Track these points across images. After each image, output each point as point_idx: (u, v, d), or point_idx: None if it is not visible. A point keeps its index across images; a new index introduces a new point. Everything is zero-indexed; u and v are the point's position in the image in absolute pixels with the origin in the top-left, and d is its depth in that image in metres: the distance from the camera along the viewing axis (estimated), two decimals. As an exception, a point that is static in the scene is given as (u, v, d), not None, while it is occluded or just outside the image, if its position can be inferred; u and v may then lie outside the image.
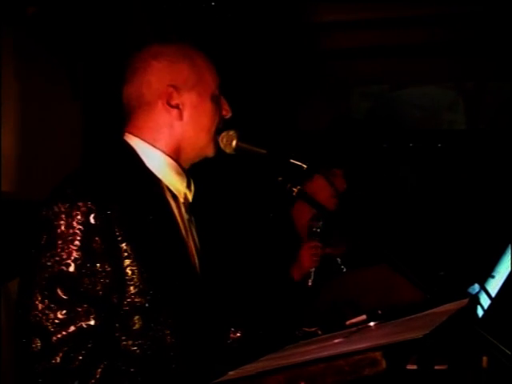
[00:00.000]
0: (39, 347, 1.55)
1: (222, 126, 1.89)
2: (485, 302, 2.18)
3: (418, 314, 1.60)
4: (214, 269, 1.95)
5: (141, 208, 1.71)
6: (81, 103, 3.55)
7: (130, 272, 1.65)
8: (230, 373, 1.37)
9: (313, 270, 3.02)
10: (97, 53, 3.53)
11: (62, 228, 1.61)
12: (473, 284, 2.42)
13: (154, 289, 1.67)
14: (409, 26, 4.75)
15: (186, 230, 1.85)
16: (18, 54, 3.20)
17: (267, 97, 4.68)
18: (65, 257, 1.59)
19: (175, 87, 1.81)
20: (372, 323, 1.65)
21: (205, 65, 1.86)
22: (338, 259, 3.29)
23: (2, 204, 3.00)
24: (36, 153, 3.30)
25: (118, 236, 1.64)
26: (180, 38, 1.92)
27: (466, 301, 1.58)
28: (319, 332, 2.05)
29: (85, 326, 1.57)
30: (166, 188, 1.82)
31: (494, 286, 2.38)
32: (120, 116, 1.88)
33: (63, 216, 1.61)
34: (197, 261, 1.87)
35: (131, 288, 1.65)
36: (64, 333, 1.56)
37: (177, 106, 1.81)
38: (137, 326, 1.66)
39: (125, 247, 1.64)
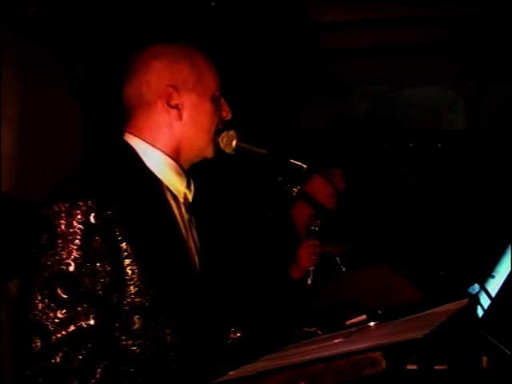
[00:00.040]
0: (39, 347, 1.55)
1: (221, 127, 1.89)
2: (485, 302, 2.18)
3: (418, 314, 1.60)
4: (213, 269, 1.96)
5: (141, 208, 1.71)
6: (81, 103, 3.54)
7: (130, 272, 1.65)
8: (230, 373, 1.37)
9: (312, 268, 3.02)
10: (97, 53, 3.53)
11: (63, 227, 1.61)
12: (473, 284, 2.42)
13: (153, 288, 1.67)
14: (409, 25, 4.75)
15: (186, 230, 1.85)
16: (18, 54, 3.20)
17: (267, 97, 4.68)
18: (65, 256, 1.59)
19: (175, 87, 1.81)
20: (372, 323, 1.65)
21: (205, 65, 1.86)
22: (338, 259, 3.29)
23: (2, 204, 3.00)
24: (36, 153, 3.30)
25: (118, 236, 1.64)
26: (180, 38, 1.92)
27: (465, 301, 1.58)
28: (319, 332, 2.05)
29: (85, 325, 1.57)
30: (166, 188, 1.82)
31: (494, 286, 2.38)
32: (120, 116, 1.88)
33: (63, 215, 1.61)
34: (197, 261, 1.87)
35: (131, 288, 1.65)
36: (64, 332, 1.56)
37: (176, 107, 1.81)
38: (137, 326, 1.66)
39: (125, 247, 1.64)
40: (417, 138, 5.32)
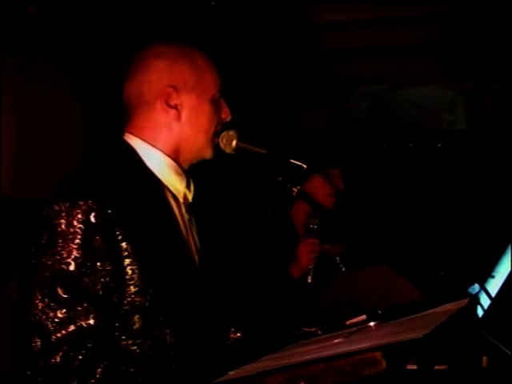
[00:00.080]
0: (39, 346, 1.55)
1: (220, 129, 1.89)
2: (485, 302, 2.18)
3: (418, 314, 1.60)
4: (214, 269, 1.96)
5: (141, 207, 1.71)
6: (81, 103, 3.55)
7: (130, 271, 1.65)
8: (230, 373, 1.37)
9: (311, 267, 3.03)
10: (97, 53, 3.53)
11: (63, 227, 1.61)
12: (473, 284, 2.42)
13: (154, 288, 1.67)
14: (409, 25, 4.75)
15: (186, 230, 1.85)
16: (18, 54, 3.20)
17: (267, 97, 4.68)
18: (65, 255, 1.59)
19: (174, 87, 1.81)
20: (372, 323, 1.65)
21: (207, 67, 1.86)
22: (337, 258, 3.30)
23: (2, 204, 3.00)
24: (36, 153, 3.30)
25: (119, 235, 1.64)
26: (180, 38, 1.92)
27: (465, 301, 1.58)
28: (319, 332, 2.04)
29: (85, 325, 1.57)
30: (166, 188, 1.82)
31: (494, 286, 2.38)
32: (120, 116, 1.88)
33: (64, 215, 1.61)
34: (197, 260, 1.87)
35: (131, 287, 1.65)
36: (64, 332, 1.56)
37: (175, 107, 1.81)
38: (137, 326, 1.66)
39: (125, 246, 1.64)
40: (417, 138, 5.32)
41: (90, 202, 1.62)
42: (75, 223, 1.61)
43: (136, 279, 1.65)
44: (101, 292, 1.61)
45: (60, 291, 1.58)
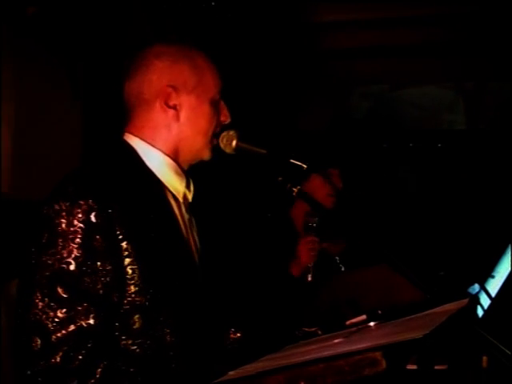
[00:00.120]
0: (39, 346, 1.55)
1: (219, 131, 1.89)
2: (485, 302, 2.18)
3: (418, 314, 1.60)
4: (214, 268, 1.96)
5: (141, 207, 1.71)
6: (81, 103, 3.55)
7: (130, 271, 1.65)
8: (230, 373, 1.37)
9: (311, 265, 3.03)
10: (97, 53, 3.53)
11: (63, 226, 1.61)
12: (473, 284, 2.42)
13: (154, 288, 1.67)
14: (409, 25, 4.75)
15: (186, 230, 1.85)
16: (18, 54, 3.20)
17: (267, 97, 4.68)
18: (65, 255, 1.59)
19: (174, 88, 1.81)
20: (372, 323, 1.65)
21: (207, 68, 1.86)
22: (337, 258, 3.30)
23: (2, 204, 3.00)
24: (36, 153, 3.30)
25: (119, 235, 1.64)
26: (180, 38, 1.92)
27: (465, 301, 1.58)
28: (319, 332, 2.05)
29: (85, 325, 1.57)
30: (166, 188, 1.82)
31: (494, 286, 2.38)
32: (120, 116, 1.88)
33: (64, 214, 1.61)
34: (197, 260, 1.87)
35: (131, 287, 1.65)
36: (64, 332, 1.56)
37: (174, 107, 1.81)
38: (137, 325, 1.66)
39: (125, 246, 1.64)
40: (417, 138, 5.32)
41: (91, 202, 1.62)
42: (76, 223, 1.61)
43: (136, 279, 1.65)
44: (101, 292, 1.61)
45: (60, 291, 1.58)
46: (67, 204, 1.62)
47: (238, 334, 2.05)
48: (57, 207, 1.62)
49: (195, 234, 1.91)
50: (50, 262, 1.59)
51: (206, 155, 1.88)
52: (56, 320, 1.56)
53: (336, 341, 1.50)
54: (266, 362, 1.42)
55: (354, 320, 1.86)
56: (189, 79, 1.82)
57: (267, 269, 3.07)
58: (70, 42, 3.38)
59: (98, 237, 1.61)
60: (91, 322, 1.58)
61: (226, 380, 1.31)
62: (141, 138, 1.82)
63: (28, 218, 1.72)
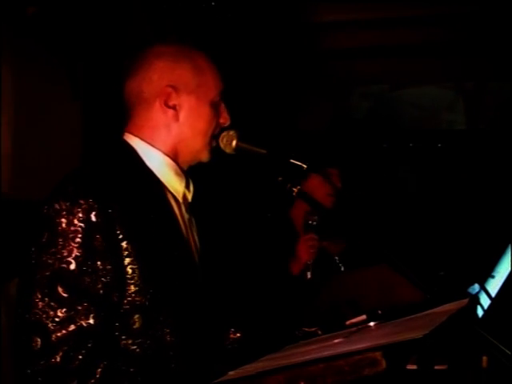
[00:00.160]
0: (39, 346, 1.55)
1: (218, 133, 1.89)
2: (485, 302, 2.18)
3: (418, 314, 1.60)
4: (214, 268, 1.96)
5: (142, 207, 1.71)
6: (81, 103, 3.54)
7: (130, 271, 1.65)
8: (230, 373, 1.37)
9: (310, 262, 3.04)
10: (97, 53, 3.53)
11: (63, 225, 1.61)
12: (473, 284, 2.42)
13: (154, 288, 1.67)
14: (409, 25, 4.75)
15: (186, 230, 1.85)
16: (18, 54, 3.20)
17: (267, 97, 4.68)
18: (66, 254, 1.59)
19: (174, 88, 1.81)
20: (372, 323, 1.65)
21: (209, 69, 1.86)
22: (336, 258, 3.30)
23: (2, 204, 3.00)
24: (36, 153, 3.30)
25: (119, 234, 1.64)
26: (180, 38, 1.92)
27: (465, 301, 1.58)
28: (319, 332, 2.05)
29: (85, 324, 1.57)
30: (166, 188, 1.82)
31: (494, 286, 2.38)
32: (120, 116, 1.88)
33: (64, 213, 1.61)
34: (197, 260, 1.87)
35: (131, 287, 1.65)
36: (64, 331, 1.56)
37: (174, 107, 1.81)
38: (137, 325, 1.66)
39: (125, 246, 1.64)
40: (417, 138, 5.32)
41: (91, 201, 1.62)
42: (76, 222, 1.61)
43: (136, 279, 1.65)
44: (101, 291, 1.61)
45: (60, 290, 1.58)
46: (67, 203, 1.62)
47: (238, 334, 2.05)
48: (57, 207, 1.62)
49: (195, 234, 1.91)
50: (50, 261, 1.59)
51: (205, 157, 1.88)
52: (56, 320, 1.56)
53: (336, 341, 1.50)
54: (266, 362, 1.42)
55: (353, 320, 1.86)
56: (189, 80, 1.82)
57: (267, 269, 3.07)
58: (70, 41, 3.38)
59: (98, 236, 1.61)
60: (91, 321, 1.58)
61: (226, 380, 1.31)
62: (140, 138, 1.82)
63: (28, 217, 1.72)
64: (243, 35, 4.39)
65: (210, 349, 1.84)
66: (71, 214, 1.61)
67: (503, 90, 5.09)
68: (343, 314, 2.21)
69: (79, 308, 1.58)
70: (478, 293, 2.29)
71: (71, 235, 1.60)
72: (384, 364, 1.13)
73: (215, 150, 1.90)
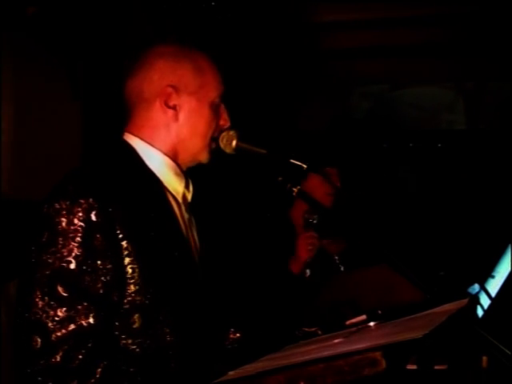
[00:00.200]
0: (39, 345, 1.55)
1: (218, 135, 1.89)
2: (485, 302, 2.18)
3: (418, 314, 1.60)
4: (213, 268, 1.96)
5: (142, 206, 1.71)
6: (81, 103, 3.54)
7: (130, 270, 1.65)
8: (230, 373, 1.37)
9: (309, 260, 3.04)
10: (97, 53, 3.53)
11: (63, 225, 1.61)
12: (473, 284, 2.42)
13: (154, 287, 1.67)
14: (409, 25, 4.75)
15: (186, 229, 1.85)
16: (18, 53, 3.20)
17: (267, 97, 4.68)
18: (66, 254, 1.59)
19: (175, 88, 1.81)
20: (372, 323, 1.65)
21: (210, 71, 1.86)
22: (336, 258, 3.30)
23: (2, 204, 3.00)
24: (36, 153, 3.30)
25: (119, 234, 1.64)
26: (180, 38, 1.92)
27: (465, 301, 1.58)
28: (319, 332, 2.05)
29: (85, 324, 1.57)
30: (166, 187, 1.82)
31: (494, 286, 2.38)
32: (120, 116, 1.88)
33: (64, 213, 1.61)
34: (197, 260, 1.87)
35: (131, 286, 1.65)
36: (64, 331, 1.56)
37: (174, 107, 1.82)
38: (137, 325, 1.66)
39: (125, 245, 1.64)
40: (417, 138, 5.32)
41: (91, 201, 1.62)
42: (76, 221, 1.61)
43: (136, 278, 1.65)
44: (101, 291, 1.61)
45: (60, 290, 1.58)
46: (67, 203, 1.62)
47: (238, 334, 2.05)
48: (57, 206, 1.62)
49: (195, 234, 1.91)
50: (50, 260, 1.59)
51: (204, 158, 1.88)
52: (56, 319, 1.56)
53: (336, 341, 1.50)
54: (266, 362, 1.42)
55: (353, 320, 1.86)
56: (190, 81, 1.82)
57: (267, 269, 3.07)
58: (69, 41, 3.38)
59: (98, 236, 1.61)
60: (91, 321, 1.58)
61: (226, 380, 1.31)
62: (140, 138, 1.82)
63: (28, 217, 1.72)
64: (243, 35, 4.39)
65: (209, 349, 1.84)
66: (71, 214, 1.61)
67: (503, 90, 5.09)
68: (343, 313, 2.21)
69: (79, 307, 1.58)
70: (478, 293, 2.29)
71: (71, 234, 1.60)
72: (384, 364, 1.13)
73: (215, 150, 1.90)
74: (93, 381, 1.55)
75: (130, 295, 1.65)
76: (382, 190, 5.08)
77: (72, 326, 1.56)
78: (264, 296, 2.96)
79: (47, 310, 1.57)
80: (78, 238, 1.60)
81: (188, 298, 1.76)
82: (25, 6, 3.16)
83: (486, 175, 4.89)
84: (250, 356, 1.51)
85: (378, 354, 1.13)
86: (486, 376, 1.77)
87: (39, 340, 1.56)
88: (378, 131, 5.24)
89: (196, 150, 1.86)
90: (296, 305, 2.84)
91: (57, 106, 3.44)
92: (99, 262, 1.61)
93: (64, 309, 1.57)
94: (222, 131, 1.89)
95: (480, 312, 1.99)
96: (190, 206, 1.90)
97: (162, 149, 1.82)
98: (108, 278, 1.62)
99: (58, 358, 1.54)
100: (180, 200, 1.85)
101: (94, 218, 1.61)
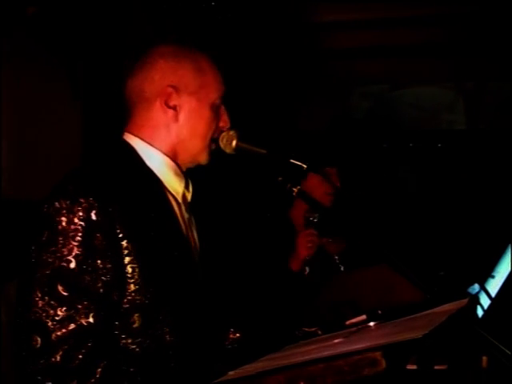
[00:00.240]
0: (39, 345, 1.55)
1: (218, 136, 1.89)
2: (485, 301, 2.18)
3: (418, 314, 1.60)
4: (213, 268, 1.96)
5: (142, 206, 1.71)
6: (81, 103, 3.54)
7: (130, 270, 1.65)
8: (230, 373, 1.37)
9: (309, 257, 3.05)
10: (97, 53, 3.53)
11: (64, 224, 1.61)
12: (473, 284, 2.42)
13: (154, 287, 1.67)
14: (409, 25, 4.75)
15: (186, 229, 1.85)
16: (18, 54, 3.20)
17: (267, 97, 4.68)
18: (66, 253, 1.59)
19: (176, 88, 1.81)
20: (372, 323, 1.65)
21: (211, 72, 1.86)
22: (336, 258, 3.30)
23: (2, 204, 3.00)
24: (36, 153, 3.30)
25: (119, 233, 1.64)
26: (180, 38, 1.92)
27: (465, 301, 1.58)
28: (319, 332, 2.05)
29: (85, 323, 1.57)
30: (165, 187, 1.82)
31: (494, 285, 2.39)
32: (120, 116, 1.88)
33: (64, 212, 1.61)
34: (197, 259, 1.87)
35: (131, 286, 1.65)
36: (64, 330, 1.56)
37: (174, 108, 1.82)
38: (136, 324, 1.66)
39: (126, 244, 1.64)
40: (417, 138, 5.32)
41: (91, 200, 1.62)
42: (76, 221, 1.61)
43: (136, 277, 1.65)
44: (101, 290, 1.61)
45: (60, 289, 1.58)
46: (67, 202, 1.62)
47: (238, 334, 2.05)
48: (57, 205, 1.62)
49: (195, 234, 1.91)
50: (50, 260, 1.59)
51: (204, 159, 1.88)
52: (56, 318, 1.56)
53: (336, 341, 1.50)
54: (266, 362, 1.42)
55: (353, 320, 1.86)
56: (191, 81, 1.82)
57: (267, 269, 3.07)
58: (69, 41, 3.38)
59: (98, 235, 1.61)
60: (91, 320, 1.58)
61: (226, 380, 1.31)
62: (140, 138, 1.82)
63: (28, 217, 1.72)
64: (243, 35, 4.39)
65: (209, 349, 1.84)
66: (71, 213, 1.61)
67: (503, 90, 5.09)
68: (343, 313, 2.21)
69: (79, 307, 1.58)
70: (478, 293, 2.29)
71: (71, 234, 1.60)
72: (384, 364, 1.13)
73: (215, 151, 1.90)
74: (93, 380, 1.55)
75: (129, 295, 1.65)
76: (382, 190, 5.08)
77: (72, 326, 1.57)
78: (264, 295, 2.96)
79: (47, 309, 1.57)
80: (78, 238, 1.60)
81: (188, 298, 1.76)
82: (25, 6, 3.16)
83: (486, 175, 4.89)
84: (250, 356, 1.51)
85: (377, 354, 1.13)
86: (485, 376, 1.77)
87: (39, 339, 1.56)
88: (378, 131, 5.24)
89: (196, 150, 1.86)
90: (296, 303, 2.84)
91: (57, 106, 3.44)
92: (99, 262, 1.61)
93: (64, 308, 1.57)
94: (221, 132, 1.89)
95: (480, 312, 1.99)
96: (190, 206, 1.90)
97: (162, 149, 1.83)
98: (108, 277, 1.62)
99: (58, 358, 1.54)
100: (180, 200, 1.85)
101: (94, 217, 1.61)
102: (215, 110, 1.86)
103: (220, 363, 1.84)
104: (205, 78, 1.84)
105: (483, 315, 2.05)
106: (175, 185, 1.84)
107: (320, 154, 3.34)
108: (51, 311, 1.57)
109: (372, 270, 2.56)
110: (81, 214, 1.61)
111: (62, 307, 1.57)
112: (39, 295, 1.58)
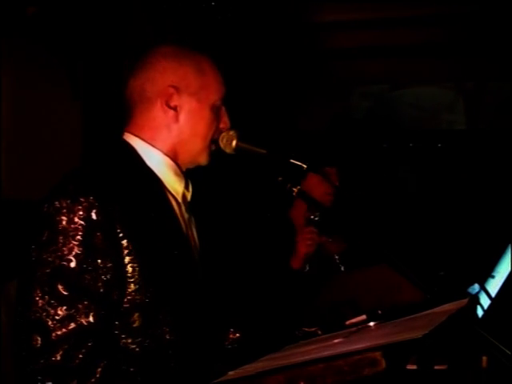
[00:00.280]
0: (39, 344, 1.55)
1: (217, 137, 1.89)
2: (485, 301, 2.18)
3: (418, 314, 1.60)
4: (213, 268, 1.96)
5: (142, 206, 1.71)
6: (81, 103, 3.55)
7: (130, 269, 1.65)
8: (230, 373, 1.37)
9: (308, 255, 3.05)
10: (97, 53, 3.53)
11: (64, 223, 1.61)
12: (473, 284, 2.42)
13: (154, 286, 1.67)
14: (409, 25, 4.75)
15: (186, 229, 1.85)
16: (18, 54, 3.20)
17: (267, 97, 4.68)
18: (66, 252, 1.59)
19: (176, 88, 1.81)
20: (372, 323, 1.65)
21: (213, 74, 1.86)
22: (336, 257, 3.30)
23: (2, 204, 3.00)
24: (36, 153, 3.30)
25: (120, 232, 1.64)
26: (180, 38, 1.92)
27: (465, 301, 1.58)
28: (319, 332, 2.05)
29: (85, 323, 1.57)
30: (165, 187, 1.82)
31: (494, 286, 2.38)
32: (120, 116, 1.88)
33: (65, 211, 1.61)
34: (197, 259, 1.87)
35: (132, 285, 1.65)
36: (64, 330, 1.56)
37: (174, 108, 1.81)
38: (136, 324, 1.66)
39: (126, 244, 1.64)
40: (417, 138, 5.32)
41: (92, 199, 1.62)
42: (76, 220, 1.61)
43: (136, 277, 1.65)
44: (101, 289, 1.61)
45: (61, 288, 1.58)
46: (68, 201, 1.62)
47: (238, 334, 2.05)
48: (57, 205, 1.62)
49: (195, 233, 1.91)
50: (50, 259, 1.59)
51: (204, 160, 1.88)
52: (56, 318, 1.56)
53: (336, 341, 1.50)
54: (266, 362, 1.42)
55: (353, 320, 1.86)
56: (192, 82, 1.82)
57: (267, 269, 3.07)
58: (69, 41, 3.39)
59: (98, 234, 1.61)
60: (91, 320, 1.58)
61: (226, 380, 1.31)
62: (141, 138, 1.82)
63: (28, 217, 1.72)
64: (243, 35, 4.39)
65: (209, 348, 1.84)
66: (71, 212, 1.61)
67: (503, 90, 5.09)
68: (343, 313, 2.21)
69: (79, 306, 1.58)
70: (478, 293, 2.29)
71: (71, 233, 1.60)
72: (384, 364, 1.13)
73: (215, 151, 1.90)
74: (93, 380, 1.55)
75: (130, 294, 1.65)
76: (382, 190, 5.08)
77: (72, 325, 1.56)
78: (264, 295, 2.96)
79: (47, 308, 1.57)
80: (79, 237, 1.60)
81: (188, 298, 1.76)
82: (25, 6, 3.17)
83: (486, 175, 4.89)
84: (250, 356, 1.51)
85: (377, 354, 1.13)
86: (486, 376, 1.77)
87: (39, 339, 1.56)
88: (378, 131, 5.24)
89: (196, 151, 1.86)
90: (296, 302, 2.84)
91: (57, 106, 3.44)
92: (99, 261, 1.61)
93: (64, 307, 1.57)
94: (221, 133, 1.89)
95: (480, 312, 1.99)
96: (190, 206, 1.90)
97: (163, 149, 1.83)
98: (108, 276, 1.62)
99: (58, 357, 1.54)
100: (180, 200, 1.85)
101: (94, 216, 1.61)
102: (215, 111, 1.86)
103: (220, 363, 1.84)
104: (205, 79, 1.84)
105: (483, 315, 2.05)
106: (175, 185, 1.84)
107: (320, 154, 3.34)
108: (51, 310, 1.57)
109: (372, 269, 2.56)
110: (81, 213, 1.61)
111: (62, 306, 1.57)
112: (39, 294, 1.58)
